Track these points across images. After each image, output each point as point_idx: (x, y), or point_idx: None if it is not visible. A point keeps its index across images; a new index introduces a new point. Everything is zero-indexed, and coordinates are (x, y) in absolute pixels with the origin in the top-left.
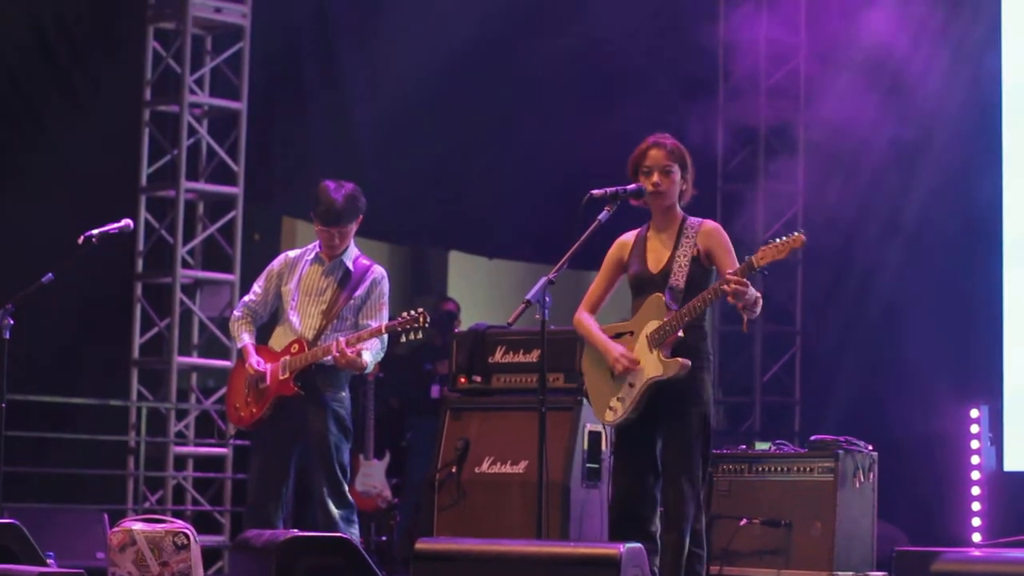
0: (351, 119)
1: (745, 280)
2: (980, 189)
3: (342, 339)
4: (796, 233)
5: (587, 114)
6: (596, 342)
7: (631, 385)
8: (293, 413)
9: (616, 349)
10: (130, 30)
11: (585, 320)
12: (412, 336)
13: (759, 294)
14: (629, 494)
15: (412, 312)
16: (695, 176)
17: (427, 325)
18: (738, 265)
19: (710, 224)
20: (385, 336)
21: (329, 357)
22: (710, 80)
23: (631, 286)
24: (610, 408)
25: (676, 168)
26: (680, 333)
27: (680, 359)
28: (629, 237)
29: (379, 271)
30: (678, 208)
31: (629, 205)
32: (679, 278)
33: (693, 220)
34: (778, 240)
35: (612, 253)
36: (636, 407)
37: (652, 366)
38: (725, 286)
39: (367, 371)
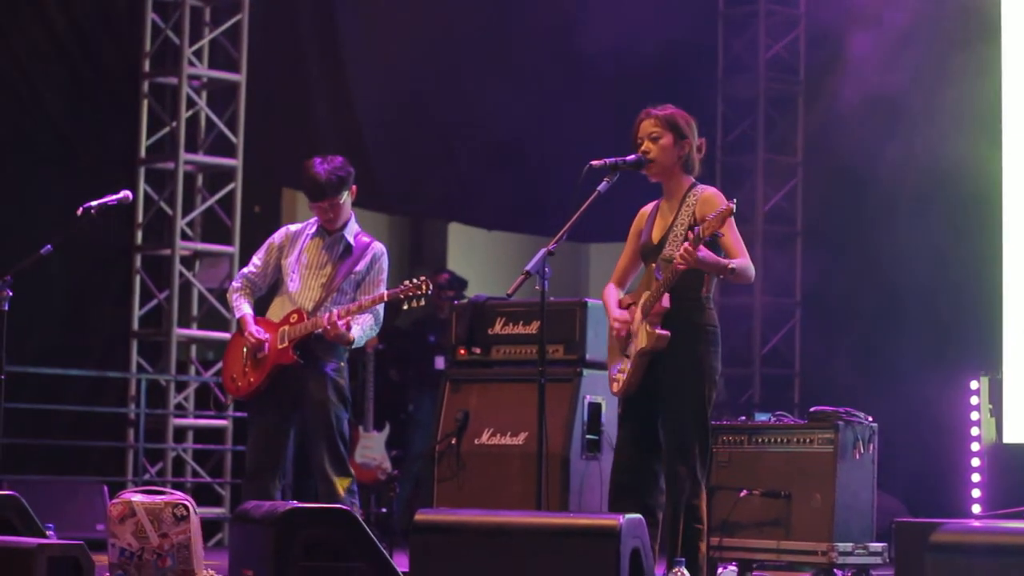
0: (350, 91)
1: (691, 252)
2: (981, 160)
3: (335, 311)
4: (729, 203)
5: (587, 86)
6: (606, 311)
7: (628, 357)
8: (292, 383)
9: (613, 314)
10: (128, 1)
11: (606, 292)
12: (414, 304)
13: (727, 264)
14: (629, 467)
15: (415, 280)
16: (703, 145)
17: (429, 292)
18: (721, 233)
19: (709, 191)
20: (380, 311)
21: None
22: (710, 52)
23: (640, 257)
24: (614, 379)
25: (667, 135)
26: (665, 304)
27: (659, 331)
28: (648, 208)
29: (379, 247)
30: (683, 176)
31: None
32: (673, 248)
33: (698, 188)
34: (715, 212)
35: (633, 225)
36: (633, 378)
37: (641, 337)
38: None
39: (356, 345)
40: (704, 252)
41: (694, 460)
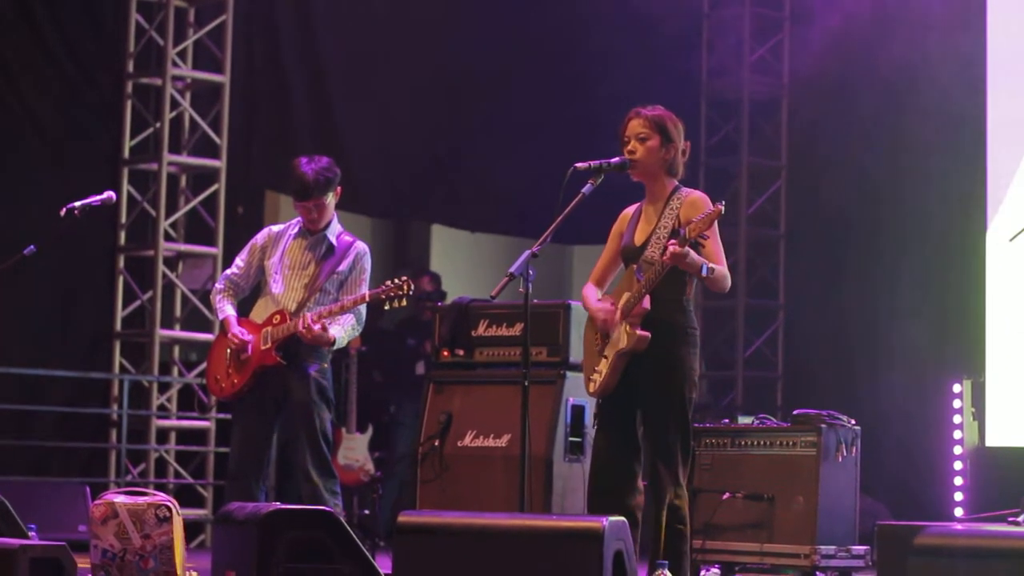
0: (332, 93)
1: (681, 250)
2: (964, 165)
3: (309, 314)
4: (718, 205)
5: (571, 87)
6: (586, 307)
7: (605, 357)
8: (275, 383)
9: (594, 305)
10: (113, 2)
11: (585, 291)
12: (396, 304)
13: (706, 262)
14: (607, 468)
15: (396, 280)
16: (687, 148)
17: (411, 292)
18: (706, 236)
19: (695, 195)
20: (363, 311)
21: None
22: (693, 54)
23: (621, 259)
24: (591, 380)
25: (655, 137)
26: (646, 305)
27: (639, 332)
28: (630, 210)
29: (362, 247)
30: (667, 179)
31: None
32: (655, 250)
33: (683, 191)
34: (703, 214)
35: (615, 226)
36: (611, 378)
37: (621, 338)
38: (663, 255)
39: (338, 346)
40: (690, 252)
41: (676, 461)
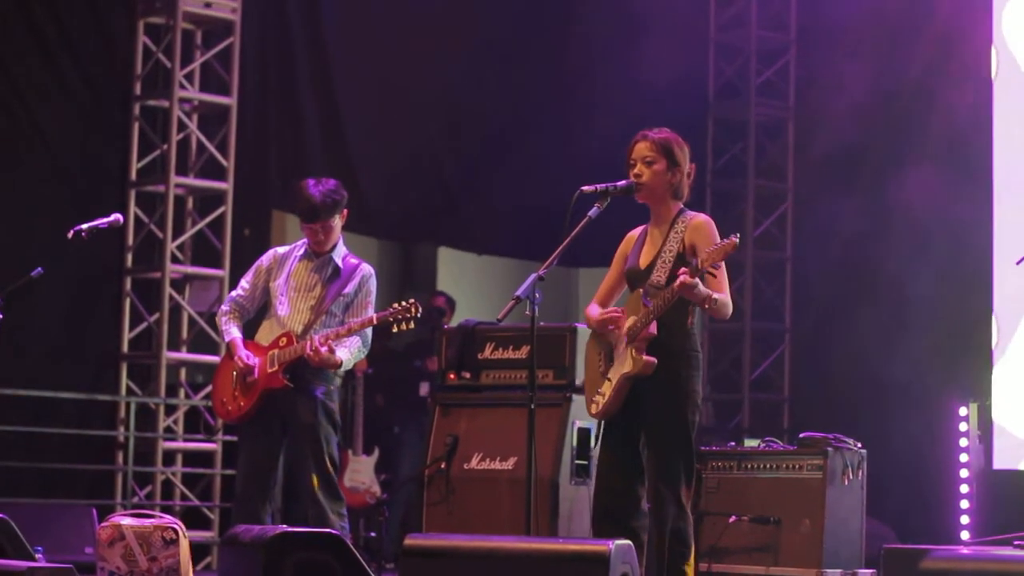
0: (341, 115)
1: (691, 281)
2: (971, 186)
3: (316, 337)
4: (732, 238)
5: (578, 111)
6: (590, 320)
7: (609, 380)
8: (281, 406)
9: (603, 314)
10: (120, 24)
11: (588, 311)
12: (404, 327)
13: (712, 293)
14: (610, 491)
15: (404, 303)
16: (692, 171)
17: (419, 315)
18: (717, 265)
19: (700, 218)
20: (368, 334)
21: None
22: (700, 77)
23: (626, 280)
24: (593, 401)
25: (661, 160)
26: (652, 330)
27: (646, 357)
28: (635, 232)
29: (368, 269)
30: (672, 202)
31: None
32: (661, 274)
33: (688, 214)
34: (716, 245)
35: (620, 248)
36: (614, 401)
37: (627, 362)
38: (674, 283)
39: (345, 368)
40: (699, 283)
41: (678, 484)
